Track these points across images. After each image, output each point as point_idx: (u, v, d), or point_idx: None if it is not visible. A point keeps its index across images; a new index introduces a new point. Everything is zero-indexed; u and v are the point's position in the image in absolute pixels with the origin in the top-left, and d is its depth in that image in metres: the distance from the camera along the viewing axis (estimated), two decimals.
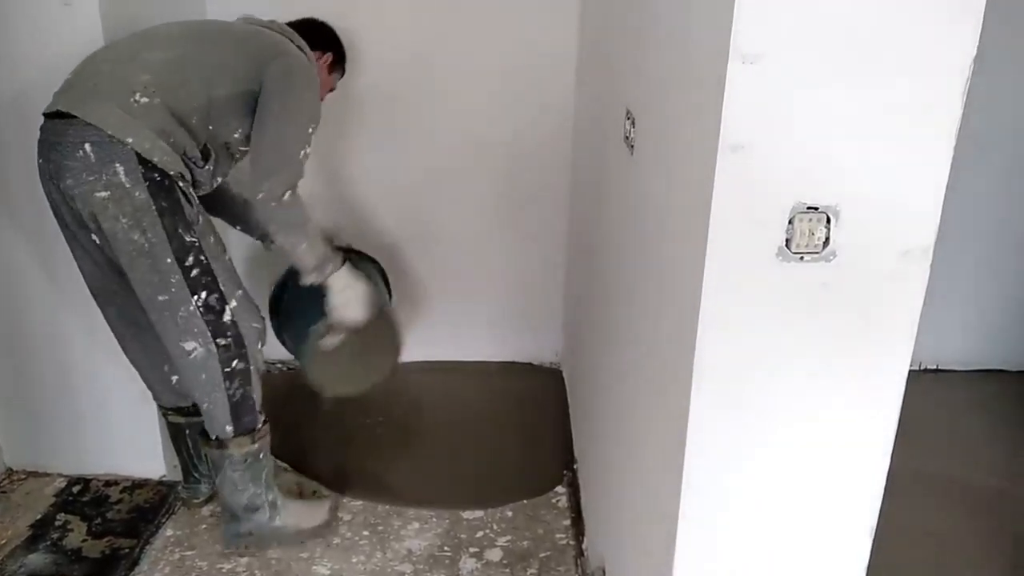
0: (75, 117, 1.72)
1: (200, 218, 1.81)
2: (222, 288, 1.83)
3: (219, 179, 1.97)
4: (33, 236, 2.16)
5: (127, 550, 2.11)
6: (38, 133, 1.80)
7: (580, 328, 2.48)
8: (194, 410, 2.07)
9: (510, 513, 2.28)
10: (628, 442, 1.61)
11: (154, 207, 1.73)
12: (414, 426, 2.70)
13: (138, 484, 2.35)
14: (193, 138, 1.80)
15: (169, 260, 1.76)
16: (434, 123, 2.72)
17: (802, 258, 1.02)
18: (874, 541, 1.20)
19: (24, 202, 2.12)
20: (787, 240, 1.01)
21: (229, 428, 1.94)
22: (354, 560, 2.12)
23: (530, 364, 3.03)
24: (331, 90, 2.32)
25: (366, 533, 2.21)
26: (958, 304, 2.91)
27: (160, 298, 1.80)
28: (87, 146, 1.71)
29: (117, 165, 1.70)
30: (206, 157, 1.85)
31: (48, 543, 2.13)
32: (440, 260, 2.90)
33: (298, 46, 2.01)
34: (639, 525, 1.49)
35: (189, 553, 2.12)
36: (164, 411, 2.20)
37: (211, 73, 1.83)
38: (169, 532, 2.19)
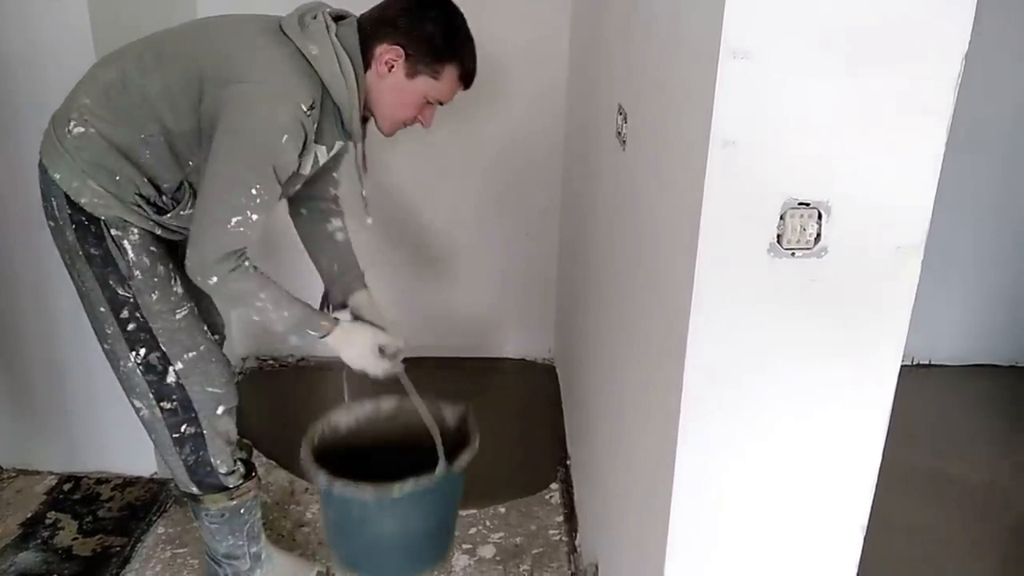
0: None
1: (138, 272, 1.56)
2: (163, 348, 1.60)
3: None
4: (23, 234, 2.14)
5: (118, 548, 2.10)
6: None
7: (573, 324, 2.48)
8: None
9: (503, 510, 2.28)
10: (620, 438, 1.61)
11: (81, 252, 1.54)
12: None
13: (129, 482, 2.34)
14: (146, 175, 1.53)
15: (103, 309, 1.58)
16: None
17: (793, 254, 1.01)
18: (865, 535, 1.20)
19: (12, 200, 2.11)
20: (778, 236, 1.01)
21: (194, 488, 1.74)
22: None
23: (523, 360, 3.03)
24: (438, 103, 1.65)
25: None
26: (950, 299, 2.92)
27: (104, 346, 1.63)
28: (38, 171, 1.58)
29: (52, 199, 1.55)
30: (178, 199, 1.57)
31: (39, 541, 2.12)
32: (432, 256, 2.89)
33: (307, 54, 1.48)
34: (632, 521, 1.49)
35: (181, 551, 2.11)
36: None
37: (152, 105, 1.49)
38: (161, 530, 2.18)
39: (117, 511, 2.23)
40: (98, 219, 1.53)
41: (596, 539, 1.92)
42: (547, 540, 2.18)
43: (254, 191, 1.44)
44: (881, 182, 0.99)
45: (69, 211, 1.52)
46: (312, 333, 1.60)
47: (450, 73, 1.59)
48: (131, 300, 1.57)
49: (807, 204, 0.99)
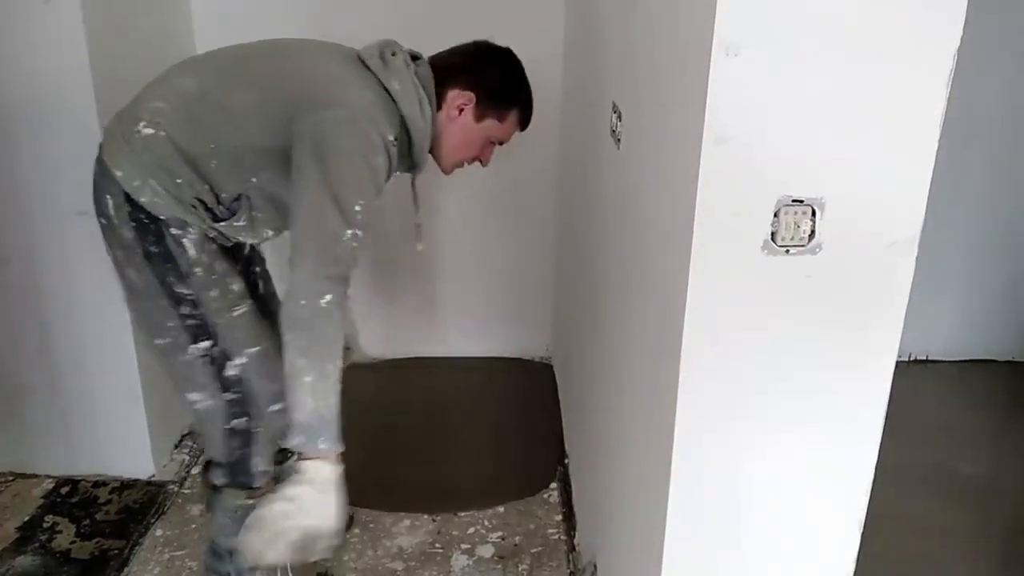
0: None
1: (198, 269, 1.56)
2: (225, 344, 1.60)
3: (270, 233, 1.67)
4: (18, 234, 2.14)
5: (116, 551, 2.10)
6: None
7: (570, 322, 2.48)
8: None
9: (502, 509, 2.28)
10: (618, 436, 1.61)
11: (140, 250, 1.54)
12: (404, 423, 2.69)
13: (127, 484, 2.33)
14: (208, 182, 1.55)
15: (164, 302, 1.57)
16: None
17: (788, 251, 1.01)
18: (863, 531, 1.20)
19: (8, 200, 2.10)
20: (772, 233, 1.01)
21: (224, 479, 1.74)
22: (345, 558, 2.11)
23: (520, 359, 3.03)
24: (498, 143, 1.77)
25: (356, 531, 2.20)
26: (946, 294, 2.92)
27: (157, 342, 1.62)
28: (96, 166, 1.58)
29: (108, 197, 1.55)
30: (234, 210, 1.59)
31: (36, 545, 2.12)
32: (428, 256, 2.89)
33: (390, 88, 1.57)
34: (630, 519, 1.49)
35: (179, 553, 2.11)
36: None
37: (235, 119, 1.54)
38: (159, 532, 2.18)
39: (115, 514, 2.23)
40: (158, 218, 1.54)
41: (595, 537, 1.92)
42: (546, 539, 2.18)
43: (358, 207, 1.46)
44: (875, 178, 0.99)
45: (128, 209, 1.53)
46: (321, 444, 1.43)
47: (513, 116, 1.73)
48: (191, 297, 1.57)
49: (801, 201, 0.99)
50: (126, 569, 2.06)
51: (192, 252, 1.57)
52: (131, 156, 1.53)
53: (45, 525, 2.19)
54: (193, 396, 1.66)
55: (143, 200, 1.53)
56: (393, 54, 1.61)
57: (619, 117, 1.55)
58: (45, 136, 2.03)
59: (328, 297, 1.44)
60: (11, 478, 2.36)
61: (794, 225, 1.00)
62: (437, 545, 2.16)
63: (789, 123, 0.96)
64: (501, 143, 1.76)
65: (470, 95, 1.66)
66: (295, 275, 1.46)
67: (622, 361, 1.55)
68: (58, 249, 2.13)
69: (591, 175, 1.96)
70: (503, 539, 2.18)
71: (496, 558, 2.12)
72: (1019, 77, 2.69)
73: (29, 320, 2.22)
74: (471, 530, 2.21)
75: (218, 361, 1.62)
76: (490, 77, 1.70)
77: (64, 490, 2.31)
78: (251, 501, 1.73)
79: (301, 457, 1.45)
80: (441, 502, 2.30)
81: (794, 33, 0.93)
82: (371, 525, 2.22)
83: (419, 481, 2.41)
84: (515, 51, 2.62)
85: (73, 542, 2.13)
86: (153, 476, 2.36)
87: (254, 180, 1.57)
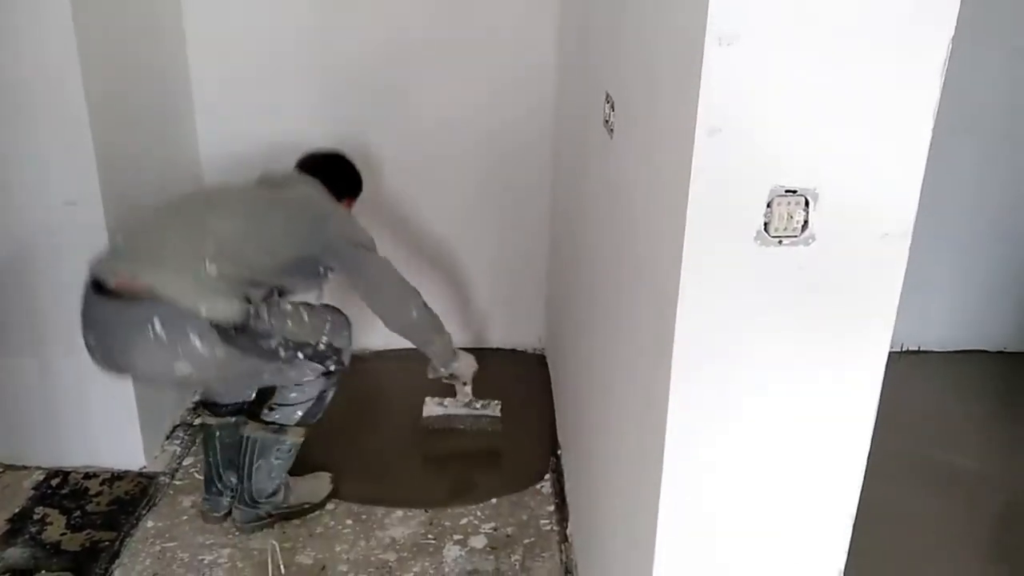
0: (130, 298, 1.75)
1: (273, 320, 1.89)
2: (313, 342, 1.97)
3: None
4: (8, 224, 2.12)
5: (107, 543, 2.09)
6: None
7: (563, 313, 2.47)
8: (227, 411, 2.15)
9: (494, 500, 2.28)
10: (610, 427, 1.60)
11: (235, 349, 1.81)
12: (396, 414, 2.68)
13: (118, 476, 2.33)
14: (259, 291, 1.89)
15: (258, 364, 1.91)
16: (414, 110, 2.70)
17: (780, 242, 1.01)
18: (855, 523, 1.20)
19: None
20: (765, 224, 1.00)
21: (297, 415, 2.06)
22: (337, 549, 2.11)
23: (513, 350, 3.03)
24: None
25: (349, 522, 2.20)
26: (939, 286, 2.92)
27: (260, 379, 2.03)
28: (156, 322, 1.73)
29: (191, 335, 1.75)
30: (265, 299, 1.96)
31: (27, 537, 2.11)
32: (421, 247, 2.88)
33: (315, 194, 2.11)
34: (622, 510, 1.49)
35: (170, 544, 2.11)
36: (198, 408, 2.24)
37: (271, 242, 1.94)
38: (150, 524, 2.17)
39: (106, 506, 2.22)
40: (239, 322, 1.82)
41: (587, 528, 1.92)
42: (538, 530, 2.18)
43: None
44: (868, 169, 0.99)
45: (216, 333, 1.77)
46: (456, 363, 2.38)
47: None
48: (279, 340, 1.89)
49: (794, 191, 0.99)
50: (117, 561, 2.05)
51: (264, 314, 1.87)
52: (208, 292, 1.78)
53: (35, 517, 2.18)
54: (297, 387, 2.03)
55: (237, 318, 1.79)
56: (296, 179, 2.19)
57: (612, 107, 1.54)
58: (33, 126, 2.01)
59: (421, 301, 2.15)
60: (1, 469, 2.35)
61: (787, 216, 0.99)
62: (429, 536, 2.15)
63: (782, 113, 0.96)
64: None
65: (351, 200, 2.32)
66: (399, 305, 2.13)
67: (615, 352, 1.55)
68: (48, 239, 2.11)
69: (585, 165, 1.96)
70: (495, 530, 2.18)
71: (488, 548, 2.12)
72: (1013, 68, 2.69)
73: (19, 311, 2.21)
74: (463, 521, 2.21)
75: (310, 352, 1.96)
76: (355, 181, 2.34)
77: (54, 482, 2.31)
78: (302, 440, 2.11)
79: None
80: (434, 493, 2.30)
81: (788, 23, 0.92)
82: (363, 517, 2.22)
83: (411, 472, 2.41)
84: (509, 41, 2.65)
85: (64, 534, 2.12)
86: (144, 467, 2.35)
87: (283, 285, 1.99)
